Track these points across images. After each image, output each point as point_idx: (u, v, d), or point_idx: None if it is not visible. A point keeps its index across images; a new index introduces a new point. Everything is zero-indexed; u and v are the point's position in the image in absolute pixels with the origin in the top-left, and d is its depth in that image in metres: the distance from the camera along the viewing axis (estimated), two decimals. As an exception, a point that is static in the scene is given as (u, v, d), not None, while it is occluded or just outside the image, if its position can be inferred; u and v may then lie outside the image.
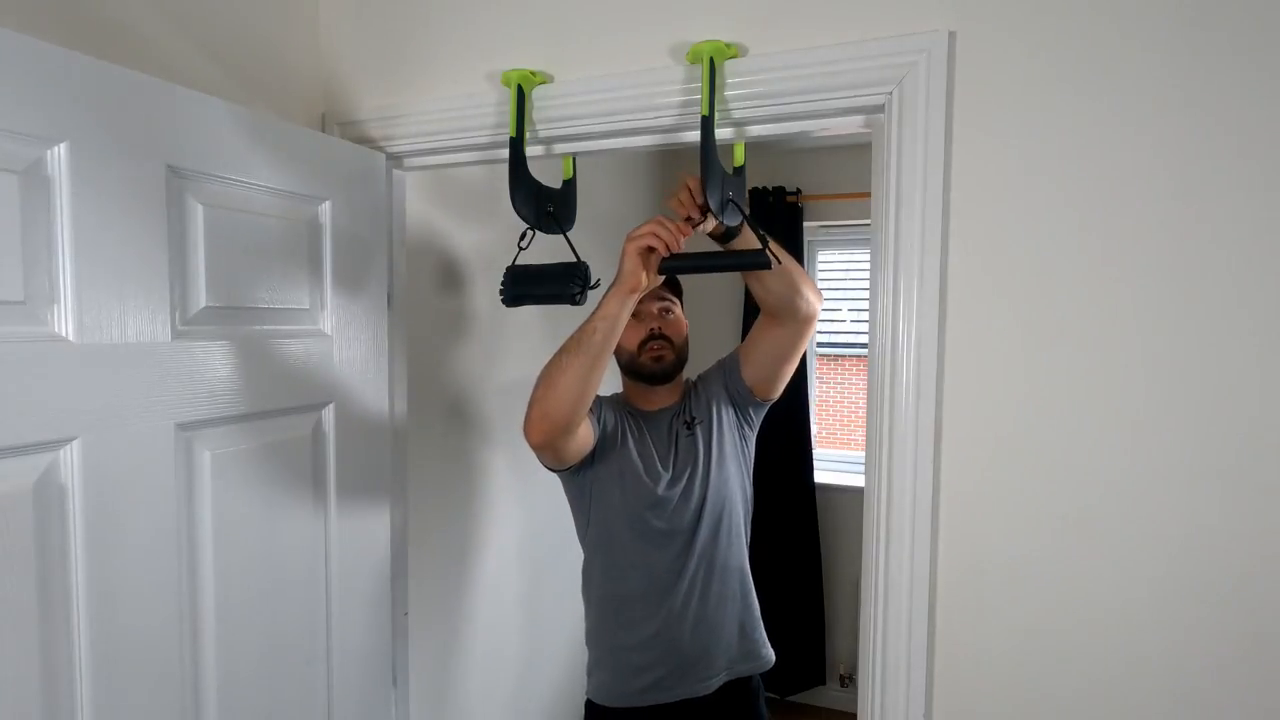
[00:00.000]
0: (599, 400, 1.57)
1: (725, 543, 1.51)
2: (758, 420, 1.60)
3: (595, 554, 1.56)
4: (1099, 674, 0.94)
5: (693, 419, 1.55)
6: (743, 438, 1.58)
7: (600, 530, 1.53)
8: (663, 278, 1.26)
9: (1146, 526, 0.91)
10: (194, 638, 1.01)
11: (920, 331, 0.98)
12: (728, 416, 1.55)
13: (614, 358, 1.57)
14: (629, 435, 1.53)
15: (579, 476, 1.52)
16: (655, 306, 1.54)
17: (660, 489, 1.48)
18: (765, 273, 1.28)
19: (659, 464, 1.51)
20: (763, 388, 1.52)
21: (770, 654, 1.59)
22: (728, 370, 1.56)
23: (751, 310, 3.05)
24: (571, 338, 1.27)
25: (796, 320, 1.40)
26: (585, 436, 1.43)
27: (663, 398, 1.59)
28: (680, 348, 1.56)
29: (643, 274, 1.22)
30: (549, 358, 1.30)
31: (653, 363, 1.53)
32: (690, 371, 1.62)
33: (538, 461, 1.46)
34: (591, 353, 1.25)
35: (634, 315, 1.52)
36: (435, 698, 1.77)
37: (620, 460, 1.50)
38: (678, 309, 1.59)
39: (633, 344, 1.53)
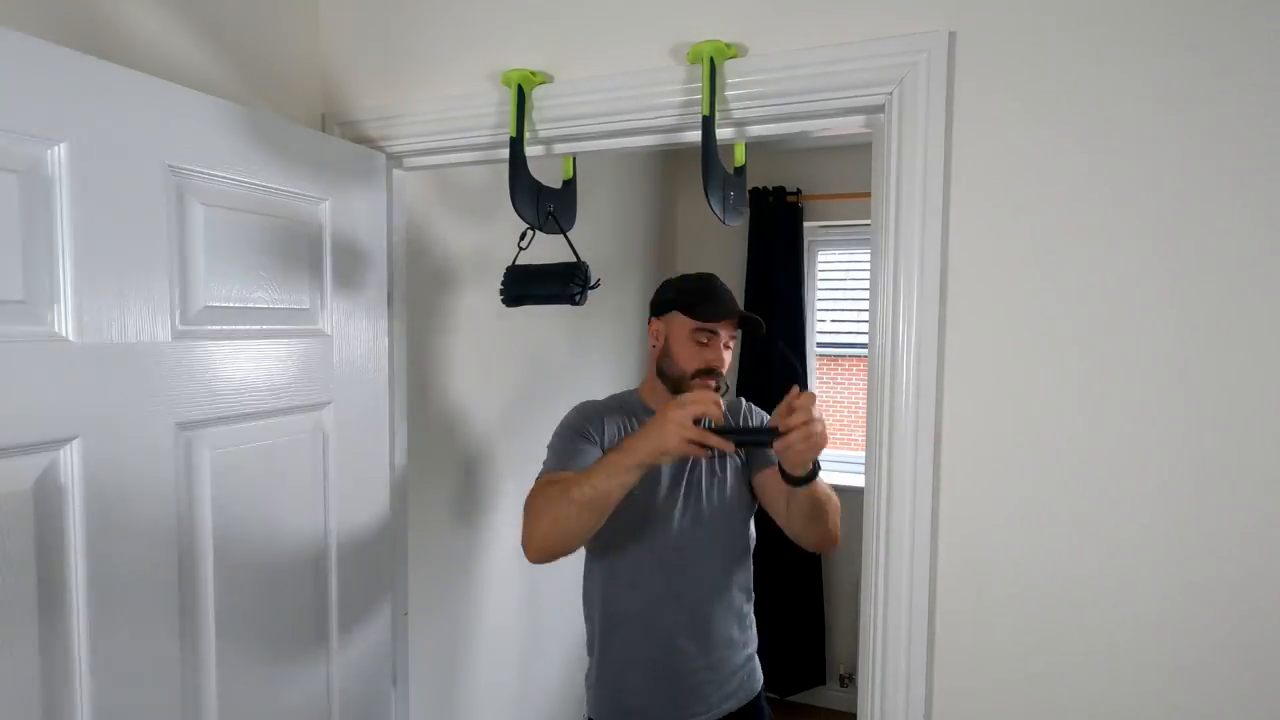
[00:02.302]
0: (600, 416, 1.51)
1: (727, 569, 1.49)
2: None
3: (594, 566, 1.55)
4: (1099, 674, 0.94)
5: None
6: (750, 488, 1.55)
7: (602, 543, 1.50)
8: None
9: (1147, 526, 0.91)
10: (194, 638, 1.00)
11: (920, 331, 0.98)
12: (740, 464, 1.53)
13: (655, 354, 1.55)
14: None
15: None
16: (726, 338, 1.50)
17: (664, 505, 1.46)
18: (813, 511, 1.30)
19: (666, 481, 1.48)
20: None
21: (759, 679, 1.58)
22: (748, 462, 1.53)
23: (752, 309, 3.05)
24: (585, 491, 1.19)
25: (798, 538, 1.40)
26: None
27: None
28: (723, 379, 1.53)
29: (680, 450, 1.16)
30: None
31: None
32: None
33: (537, 462, 1.46)
34: (605, 513, 1.22)
35: (703, 343, 1.48)
36: (435, 698, 1.77)
37: None
38: (734, 344, 1.57)
39: (689, 368, 1.48)
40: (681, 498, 1.48)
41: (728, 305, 1.47)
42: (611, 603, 1.51)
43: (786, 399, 1.13)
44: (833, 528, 1.35)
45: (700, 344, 1.50)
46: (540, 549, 1.26)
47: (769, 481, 1.46)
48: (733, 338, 1.53)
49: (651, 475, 1.48)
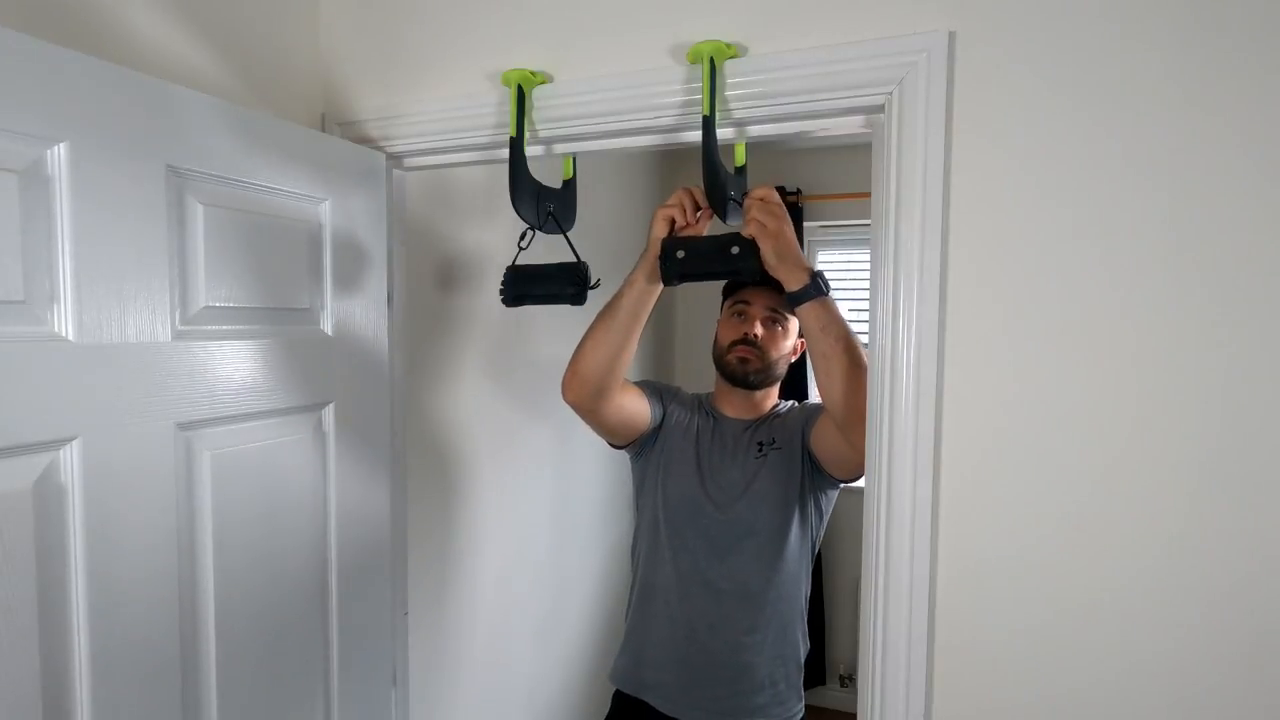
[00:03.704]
0: (676, 390, 1.60)
1: (767, 579, 1.45)
2: (829, 486, 1.50)
3: (640, 535, 1.58)
4: (1099, 674, 0.94)
5: (770, 443, 1.49)
6: (815, 488, 1.49)
7: (648, 515, 1.54)
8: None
9: (1147, 526, 0.91)
10: (194, 638, 1.01)
11: (920, 331, 0.97)
12: (801, 461, 1.48)
13: (710, 349, 1.59)
14: (696, 433, 1.52)
15: (640, 459, 1.56)
16: (762, 312, 1.49)
17: (704, 493, 1.47)
18: (815, 359, 1.22)
19: (711, 470, 1.49)
20: (830, 469, 1.44)
21: (789, 715, 1.51)
22: (808, 421, 1.49)
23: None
24: (605, 305, 1.34)
25: (845, 432, 1.26)
26: (632, 412, 1.46)
27: (744, 407, 1.55)
28: (773, 362, 1.50)
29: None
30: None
31: (737, 363, 1.49)
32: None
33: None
34: (618, 318, 1.31)
35: (739, 314, 1.52)
36: (436, 698, 1.77)
37: (678, 453, 1.51)
38: (790, 325, 1.51)
39: (725, 341, 1.52)
40: (727, 488, 1.47)
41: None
42: (648, 572, 1.53)
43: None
44: (858, 361, 1.19)
45: (737, 316, 1.52)
46: (569, 378, 1.37)
47: (820, 423, 1.42)
48: (772, 310, 1.49)
49: (706, 458, 1.50)
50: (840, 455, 1.38)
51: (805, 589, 1.54)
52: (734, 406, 1.56)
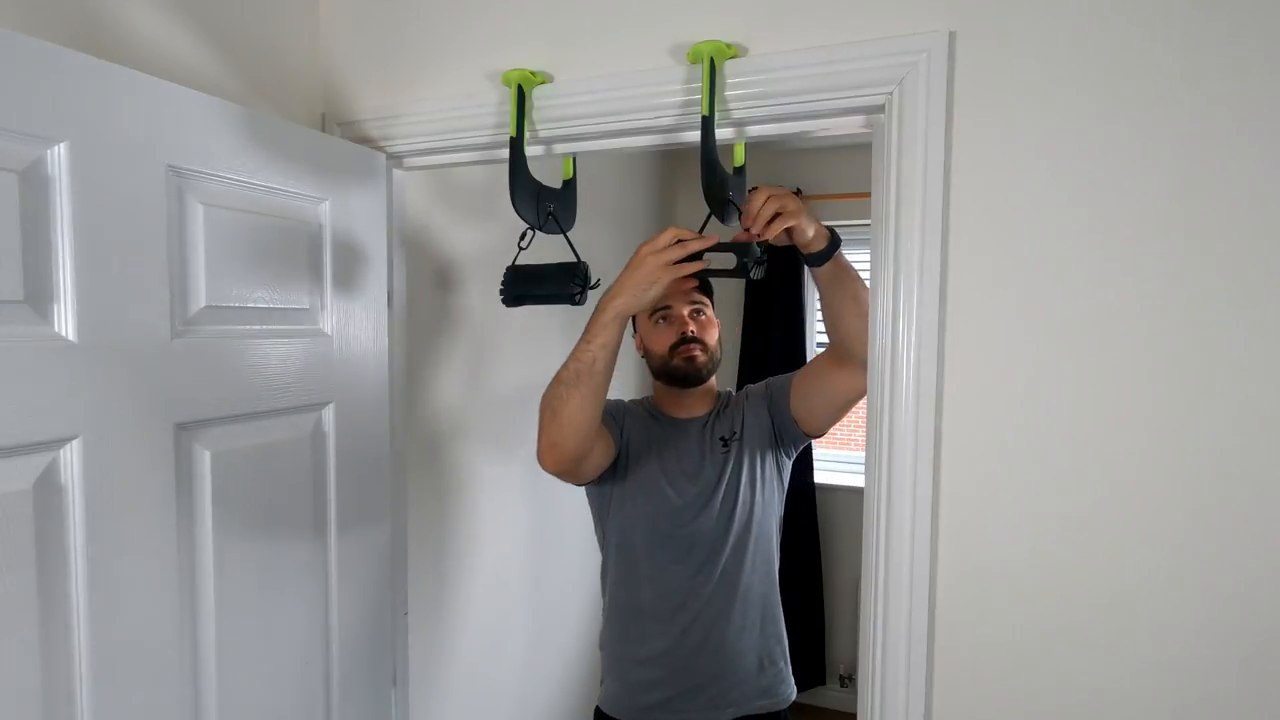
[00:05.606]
0: (622, 407, 1.55)
1: (750, 567, 1.47)
2: (796, 451, 1.55)
3: (612, 562, 1.54)
4: (1100, 674, 0.94)
5: (731, 434, 1.51)
6: (778, 465, 1.53)
7: (618, 539, 1.51)
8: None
9: (1147, 526, 0.91)
10: (194, 637, 1.00)
11: (920, 331, 0.97)
12: (767, 439, 1.50)
13: (645, 362, 1.56)
14: (654, 444, 1.51)
15: (601, 486, 1.51)
16: (686, 309, 1.50)
17: (682, 500, 1.46)
18: (843, 304, 1.24)
19: (684, 475, 1.48)
20: (811, 424, 1.47)
21: (789, 691, 1.55)
22: (774, 395, 1.51)
23: (753, 311, 3.05)
24: (569, 367, 1.21)
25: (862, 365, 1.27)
26: (603, 452, 1.41)
27: (694, 405, 1.55)
28: (712, 349, 1.52)
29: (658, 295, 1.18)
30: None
31: (685, 364, 1.49)
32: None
33: (539, 460, 1.46)
34: (595, 382, 1.20)
35: (664, 319, 1.50)
36: (436, 698, 1.77)
37: (644, 469, 1.48)
38: (709, 310, 1.54)
39: (663, 348, 1.50)
40: (701, 490, 1.47)
41: None
42: (626, 597, 1.51)
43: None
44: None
45: (663, 322, 1.51)
46: (548, 449, 1.26)
47: (803, 379, 1.46)
48: (693, 302, 1.50)
49: (672, 467, 1.48)
50: (832, 399, 1.39)
51: (778, 560, 1.56)
52: (686, 407, 1.55)
